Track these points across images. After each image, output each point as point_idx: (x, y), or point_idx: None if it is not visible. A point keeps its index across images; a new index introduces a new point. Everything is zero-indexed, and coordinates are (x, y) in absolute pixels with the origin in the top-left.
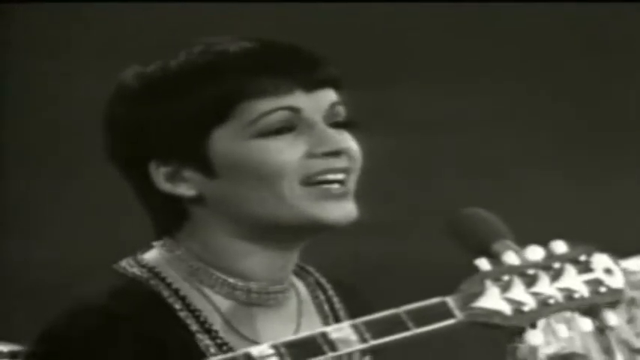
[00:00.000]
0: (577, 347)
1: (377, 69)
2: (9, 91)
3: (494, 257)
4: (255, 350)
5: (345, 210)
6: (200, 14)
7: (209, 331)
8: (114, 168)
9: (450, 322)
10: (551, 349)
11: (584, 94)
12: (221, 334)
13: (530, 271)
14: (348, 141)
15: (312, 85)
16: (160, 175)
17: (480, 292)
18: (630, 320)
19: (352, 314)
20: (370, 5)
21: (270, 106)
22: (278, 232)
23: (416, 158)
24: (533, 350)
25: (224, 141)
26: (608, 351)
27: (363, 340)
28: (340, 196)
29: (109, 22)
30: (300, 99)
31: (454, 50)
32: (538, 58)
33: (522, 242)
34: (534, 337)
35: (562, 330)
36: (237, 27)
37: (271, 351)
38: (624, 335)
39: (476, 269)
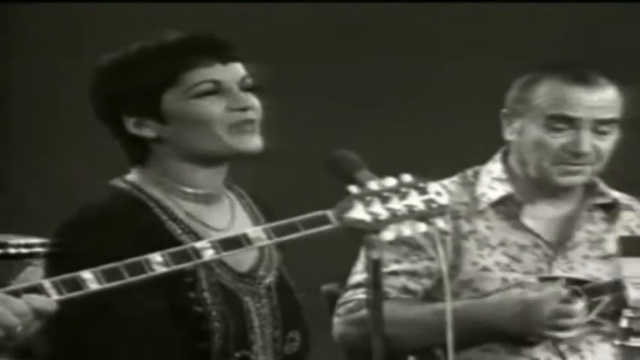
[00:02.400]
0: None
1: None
2: (13, 89)
3: (358, 183)
4: (198, 244)
5: (254, 143)
6: (198, 15)
7: (175, 219)
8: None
9: (329, 227)
10: (392, 236)
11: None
12: (184, 220)
13: (386, 194)
14: (252, 99)
15: (225, 59)
16: (130, 124)
17: (350, 207)
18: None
19: (265, 214)
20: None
21: (200, 78)
22: (210, 158)
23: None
24: (380, 240)
25: (172, 101)
26: (432, 239)
27: (270, 238)
28: (252, 133)
29: (108, 23)
30: (219, 70)
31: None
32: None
33: (375, 171)
34: (387, 235)
35: (405, 230)
36: (233, 27)
37: (209, 245)
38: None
39: (348, 192)
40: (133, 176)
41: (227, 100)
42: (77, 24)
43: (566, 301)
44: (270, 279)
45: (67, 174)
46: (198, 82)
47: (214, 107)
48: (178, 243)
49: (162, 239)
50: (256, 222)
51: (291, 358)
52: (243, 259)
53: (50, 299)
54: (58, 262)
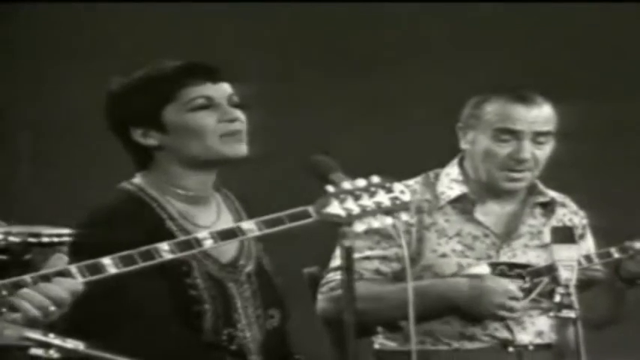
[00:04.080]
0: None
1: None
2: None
3: (333, 183)
4: (199, 235)
5: (241, 150)
6: (195, 17)
7: (172, 219)
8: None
9: (310, 220)
10: (363, 227)
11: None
12: (178, 220)
13: (357, 192)
14: (239, 113)
15: (215, 79)
16: (136, 134)
17: (327, 204)
18: (419, 210)
19: (247, 212)
20: None
21: (194, 94)
22: (203, 163)
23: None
24: (353, 231)
25: (171, 114)
26: (397, 230)
27: (260, 229)
28: (239, 142)
29: (110, 24)
30: (210, 88)
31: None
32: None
33: (349, 173)
34: (358, 226)
35: (374, 223)
36: (229, 28)
37: (209, 235)
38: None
39: (325, 191)
40: (138, 180)
41: (218, 113)
42: (79, 25)
43: (514, 297)
44: (250, 267)
45: (66, 173)
46: (193, 98)
47: (207, 119)
48: (175, 238)
49: (162, 235)
50: (238, 218)
51: (273, 332)
52: (225, 251)
53: (78, 282)
54: (79, 252)
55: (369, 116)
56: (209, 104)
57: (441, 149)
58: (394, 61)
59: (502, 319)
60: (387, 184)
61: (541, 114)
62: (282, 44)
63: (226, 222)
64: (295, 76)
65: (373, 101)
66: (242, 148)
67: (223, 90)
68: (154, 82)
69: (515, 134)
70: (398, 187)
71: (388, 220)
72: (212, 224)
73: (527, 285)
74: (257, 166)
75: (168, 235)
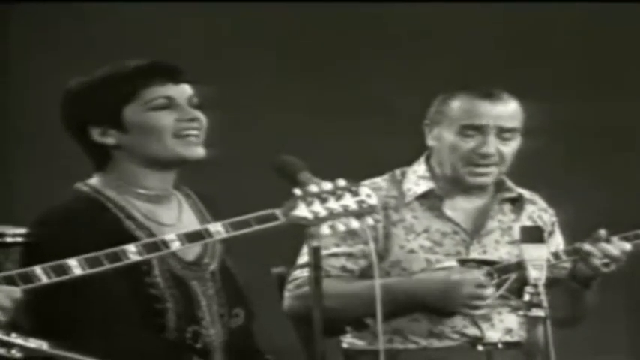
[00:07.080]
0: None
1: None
2: (11, 88)
3: (300, 183)
4: (167, 237)
5: (197, 152)
6: (194, 17)
7: (131, 218)
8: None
9: (277, 223)
10: (329, 231)
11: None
12: (139, 219)
13: (324, 196)
14: (198, 114)
15: (176, 80)
16: (95, 133)
17: (294, 207)
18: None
19: (210, 211)
20: None
21: (155, 94)
22: (160, 163)
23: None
24: (320, 233)
25: (131, 113)
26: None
27: (227, 232)
28: (196, 144)
29: (108, 22)
30: (171, 88)
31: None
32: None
33: (317, 175)
34: (324, 230)
35: (341, 226)
36: (226, 27)
37: (175, 237)
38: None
39: (293, 194)
40: (94, 180)
41: (177, 113)
42: (75, 27)
43: (482, 285)
44: (214, 266)
45: (67, 170)
46: (154, 97)
47: (166, 119)
48: (134, 237)
49: (120, 235)
50: (201, 216)
51: (237, 330)
52: (190, 250)
53: (16, 289)
54: (33, 254)
55: (334, 120)
56: (169, 104)
57: (406, 152)
58: (360, 64)
59: (474, 308)
60: (354, 188)
61: (506, 110)
62: (247, 45)
63: (188, 220)
64: (259, 78)
65: (337, 105)
66: (198, 150)
67: (184, 91)
68: (116, 81)
69: (480, 129)
70: (364, 190)
71: (354, 224)
72: (175, 222)
73: (495, 281)
74: (222, 167)
75: (126, 235)
